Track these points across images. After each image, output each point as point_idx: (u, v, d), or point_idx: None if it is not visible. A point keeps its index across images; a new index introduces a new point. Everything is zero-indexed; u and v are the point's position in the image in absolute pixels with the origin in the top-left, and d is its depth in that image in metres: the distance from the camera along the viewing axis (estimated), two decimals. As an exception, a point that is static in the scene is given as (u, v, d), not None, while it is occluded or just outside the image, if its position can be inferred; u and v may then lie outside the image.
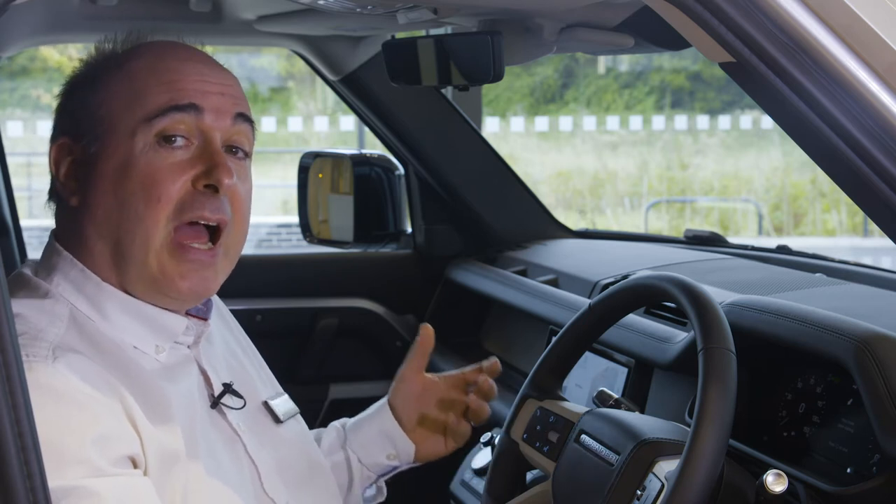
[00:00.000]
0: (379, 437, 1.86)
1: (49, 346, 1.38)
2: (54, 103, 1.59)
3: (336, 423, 1.91)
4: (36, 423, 1.22)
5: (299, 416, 1.74)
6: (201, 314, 1.60)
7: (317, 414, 3.00)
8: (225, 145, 1.52)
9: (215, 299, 1.70)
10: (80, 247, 1.51)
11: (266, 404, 1.67)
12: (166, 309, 1.52)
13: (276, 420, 1.66)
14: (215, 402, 1.56)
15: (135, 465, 1.38)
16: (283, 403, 1.70)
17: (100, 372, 1.39)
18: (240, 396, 1.59)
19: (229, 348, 1.69)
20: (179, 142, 1.48)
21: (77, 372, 1.36)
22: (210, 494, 1.46)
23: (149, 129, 1.47)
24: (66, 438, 1.31)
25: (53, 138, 1.55)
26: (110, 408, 1.37)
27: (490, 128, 18.97)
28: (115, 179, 1.47)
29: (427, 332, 1.88)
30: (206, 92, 1.50)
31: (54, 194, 1.55)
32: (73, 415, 1.33)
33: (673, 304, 1.88)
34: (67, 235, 1.53)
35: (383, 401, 1.89)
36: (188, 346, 1.57)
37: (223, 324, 1.73)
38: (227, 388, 1.58)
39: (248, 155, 1.56)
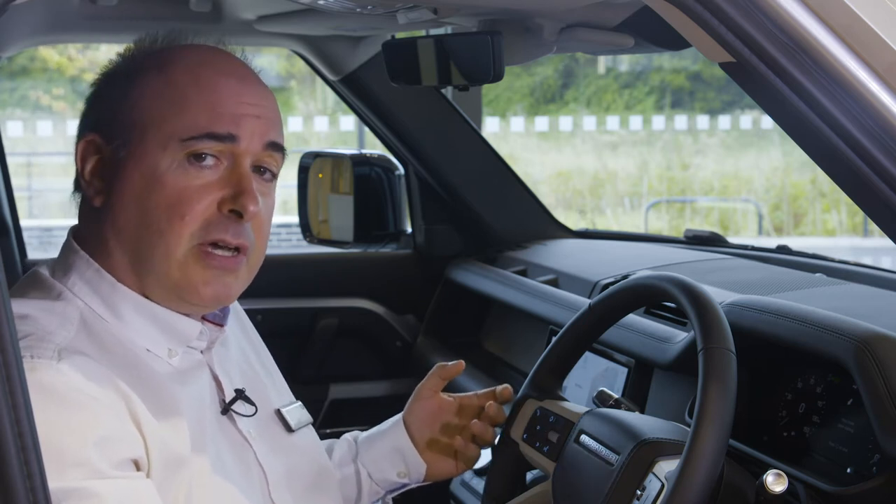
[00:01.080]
0: (391, 454, 1.84)
1: (55, 348, 1.37)
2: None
3: (348, 436, 1.90)
4: (38, 424, 1.21)
5: (311, 426, 1.72)
6: (217, 320, 1.59)
7: (317, 414, 3.00)
8: (253, 165, 1.51)
9: (234, 304, 1.70)
10: (99, 247, 1.50)
11: (279, 412, 1.65)
12: (182, 313, 1.52)
13: (288, 429, 1.65)
14: (226, 409, 1.55)
15: (137, 468, 1.38)
16: (297, 412, 1.69)
17: (105, 374, 1.39)
18: (252, 403, 1.58)
19: (244, 354, 1.68)
20: (209, 161, 1.47)
21: (81, 373, 1.36)
22: (214, 499, 1.46)
23: (181, 147, 1.46)
24: (66, 439, 1.31)
25: (81, 132, 1.53)
26: (113, 410, 1.37)
27: (490, 128, 18.97)
28: (140, 190, 1.46)
29: (460, 367, 1.87)
30: (243, 115, 1.48)
31: (79, 189, 1.54)
32: (74, 416, 1.33)
33: (673, 304, 1.88)
34: (88, 233, 1.52)
35: (398, 417, 1.87)
36: (201, 352, 1.56)
37: (241, 330, 1.73)
38: (239, 395, 1.57)
39: (275, 176, 1.55)
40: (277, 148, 1.53)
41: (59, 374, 1.34)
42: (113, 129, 1.49)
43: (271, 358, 1.77)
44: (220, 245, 1.47)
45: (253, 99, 1.51)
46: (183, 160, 1.46)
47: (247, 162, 1.49)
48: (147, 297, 1.49)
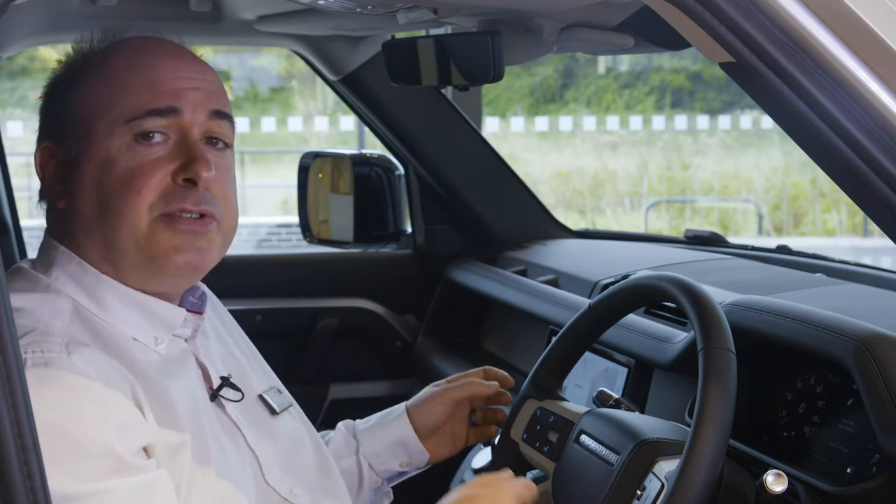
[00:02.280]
0: (394, 446, 1.86)
1: (61, 341, 1.39)
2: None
3: (342, 427, 1.91)
4: (56, 419, 1.26)
5: (296, 407, 1.74)
6: (196, 308, 1.61)
7: (317, 414, 3.00)
8: (204, 137, 1.52)
9: (209, 293, 1.70)
10: (72, 246, 1.52)
11: (261, 397, 1.67)
12: (164, 299, 1.53)
13: (273, 412, 1.66)
14: (214, 395, 1.57)
15: (149, 455, 1.40)
16: (278, 396, 1.70)
17: (111, 363, 1.41)
18: (237, 389, 1.60)
19: (223, 342, 1.70)
20: (157, 138, 1.49)
21: (91, 364, 1.37)
22: (214, 485, 1.47)
23: (127, 129, 1.48)
24: (88, 432, 1.33)
25: (38, 142, 1.56)
26: (125, 398, 1.39)
27: (490, 128, 18.96)
28: (96, 179, 1.48)
29: (495, 388, 1.89)
30: (183, 89, 1.50)
31: (44, 196, 1.56)
32: (93, 408, 1.34)
33: (673, 304, 1.88)
34: (60, 237, 1.54)
35: (401, 410, 1.89)
36: (185, 340, 1.57)
37: (217, 318, 1.74)
38: (225, 381, 1.59)
39: (228, 145, 1.56)
40: (223, 115, 1.54)
41: (72, 367, 1.35)
42: (63, 132, 1.52)
43: (249, 342, 1.79)
44: (183, 213, 1.48)
45: (190, 73, 1.53)
46: (131, 142, 1.48)
47: (194, 132, 1.51)
48: (128, 286, 1.51)
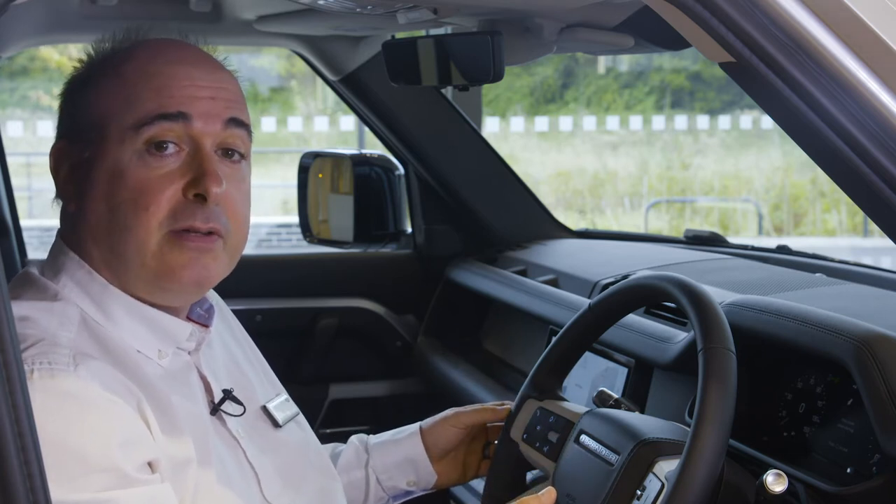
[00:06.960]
0: (404, 463, 1.85)
1: (69, 353, 1.37)
2: (55, 103, 1.59)
3: (355, 440, 1.90)
4: (59, 431, 1.25)
5: (300, 419, 1.72)
6: (203, 321, 1.59)
7: (317, 414, 3.00)
8: (220, 148, 1.49)
9: (218, 301, 1.69)
10: (80, 251, 1.50)
11: (265, 409, 1.65)
12: (169, 312, 1.51)
13: (276, 425, 1.65)
14: (215, 409, 1.55)
15: (153, 470, 1.38)
16: (283, 407, 1.68)
17: (118, 376, 1.39)
18: (239, 403, 1.58)
19: (229, 353, 1.68)
20: (170, 149, 1.45)
21: (98, 378, 1.36)
22: (218, 500, 1.46)
23: (137, 136, 1.45)
24: (92, 445, 1.31)
25: (55, 140, 1.55)
26: (130, 412, 1.37)
27: (490, 128, 18.97)
28: (106, 187, 1.46)
29: (506, 411, 1.90)
30: (196, 97, 1.47)
31: (58, 195, 1.55)
32: (98, 421, 1.33)
33: (673, 304, 1.88)
34: (70, 238, 1.52)
35: (415, 429, 1.88)
36: (189, 353, 1.56)
37: (225, 327, 1.72)
38: (227, 395, 1.57)
39: (244, 156, 1.53)
40: (239, 124, 1.51)
41: (79, 380, 1.34)
42: (76, 134, 1.50)
43: (258, 352, 1.77)
44: (191, 231, 1.46)
45: (207, 81, 1.49)
46: (143, 152, 1.45)
47: (208, 144, 1.47)
48: (134, 297, 1.49)
